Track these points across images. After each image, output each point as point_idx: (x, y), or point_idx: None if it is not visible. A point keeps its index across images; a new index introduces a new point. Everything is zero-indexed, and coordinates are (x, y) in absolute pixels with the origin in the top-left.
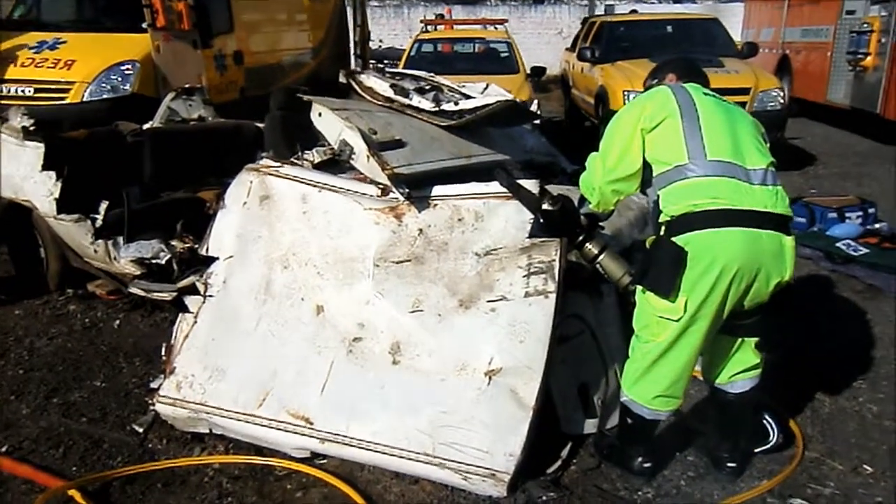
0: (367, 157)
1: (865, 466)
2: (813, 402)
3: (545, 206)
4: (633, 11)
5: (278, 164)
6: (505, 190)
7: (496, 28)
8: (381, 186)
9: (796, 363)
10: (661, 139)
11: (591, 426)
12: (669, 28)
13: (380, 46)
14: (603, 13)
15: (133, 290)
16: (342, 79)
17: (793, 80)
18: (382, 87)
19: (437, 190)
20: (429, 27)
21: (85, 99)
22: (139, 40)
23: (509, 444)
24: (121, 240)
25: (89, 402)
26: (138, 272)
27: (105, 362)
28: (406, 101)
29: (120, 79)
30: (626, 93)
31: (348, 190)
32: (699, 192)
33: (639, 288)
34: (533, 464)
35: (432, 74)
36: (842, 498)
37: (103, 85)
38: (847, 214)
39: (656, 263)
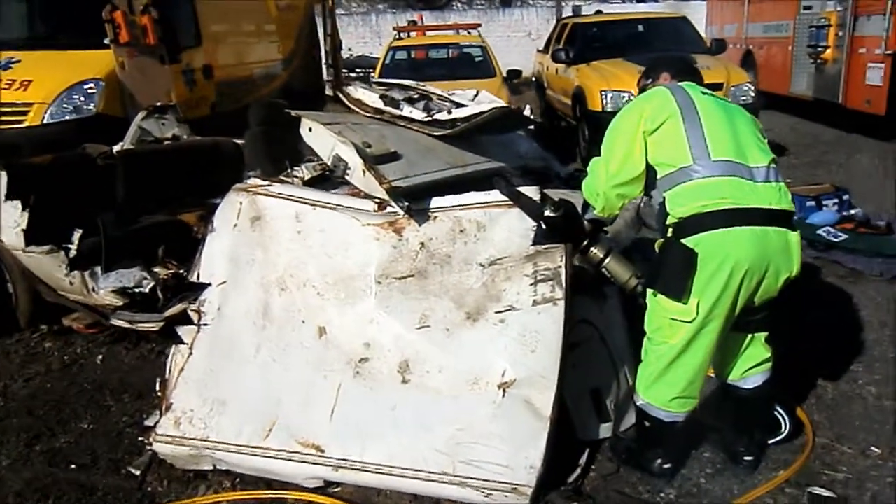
0: (364, 171)
1: (873, 448)
2: (816, 389)
3: (547, 213)
4: (598, 12)
5: (268, 182)
6: (506, 198)
7: (469, 32)
8: (377, 201)
9: (795, 350)
10: (664, 141)
11: (605, 430)
12: (641, 27)
13: (350, 55)
14: (571, 14)
15: (116, 322)
16: (329, 92)
17: (757, 74)
18: (371, 98)
19: (437, 201)
20: (402, 34)
21: (45, 121)
22: (101, 57)
23: (529, 456)
24: (98, 269)
25: (77, 446)
26: (120, 303)
27: (90, 402)
28: (397, 111)
29: (83, 98)
30: (603, 92)
31: (344, 206)
32: (706, 192)
33: (649, 291)
34: (553, 474)
35: (421, 83)
36: (855, 482)
37: (65, 106)
38: (824, 202)
39: (667, 266)
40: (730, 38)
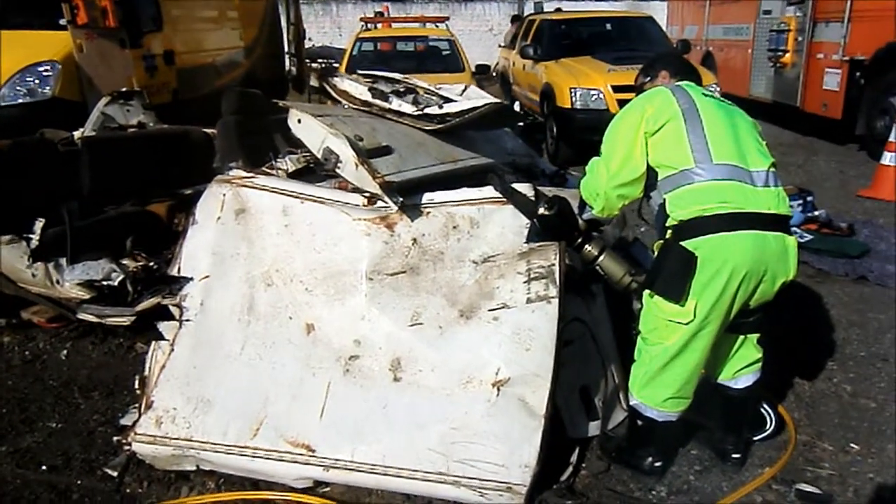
0: (356, 165)
1: (852, 445)
2: (794, 387)
3: (541, 210)
4: (558, 10)
5: (252, 174)
6: (499, 195)
7: (437, 26)
8: (367, 195)
9: (772, 349)
10: (666, 143)
11: (594, 428)
12: (608, 26)
13: (312, 45)
14: (532, 11)
15: (83, 316)
16: (314, 82)
17: (717, 76)
18: (359, 90)
19: (429, 197)
20: (368, 25)
21: None
22: (58, 38)
23: (524, 455)
24: (63, 261)
25: (46, 446)
26: (87, 296)
27: (58, 399)
28: (386, 105)
29: (38, 81)
30: (572, 90)
31: (333, 200)
32: (707, 196)
33: (646, 292)
34: (544, 472)
35: (407, 76)
36: (838, 478)
37: (18, 88)
38: (789, 204)
39: (666, 268)
40: (690, 39)
